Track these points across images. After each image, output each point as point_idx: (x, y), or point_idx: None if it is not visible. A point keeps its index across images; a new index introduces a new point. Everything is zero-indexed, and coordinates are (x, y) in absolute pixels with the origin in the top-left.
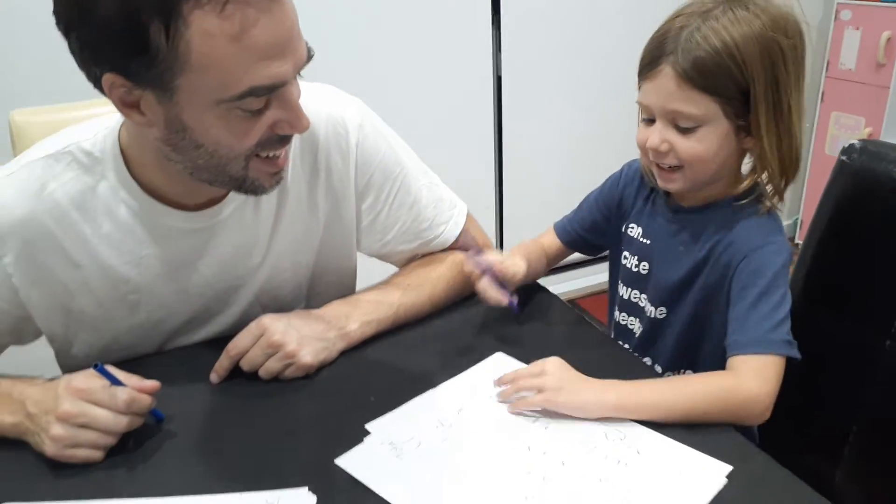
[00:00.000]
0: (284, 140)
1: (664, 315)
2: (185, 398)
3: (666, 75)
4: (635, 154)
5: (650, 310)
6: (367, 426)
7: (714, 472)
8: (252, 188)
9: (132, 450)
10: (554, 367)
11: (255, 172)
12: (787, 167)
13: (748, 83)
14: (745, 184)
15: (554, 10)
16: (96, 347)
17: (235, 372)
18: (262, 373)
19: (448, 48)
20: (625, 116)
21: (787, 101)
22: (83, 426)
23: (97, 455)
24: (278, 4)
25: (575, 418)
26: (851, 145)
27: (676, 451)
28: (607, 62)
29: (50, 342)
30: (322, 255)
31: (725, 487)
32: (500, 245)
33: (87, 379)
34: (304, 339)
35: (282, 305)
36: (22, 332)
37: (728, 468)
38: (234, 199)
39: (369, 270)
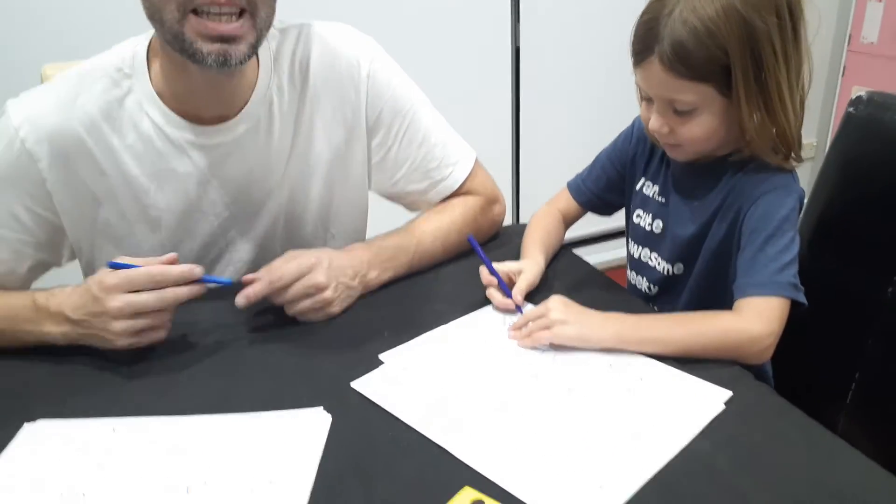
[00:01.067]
0: None
1: (682, 271)
2: (206, 322)
3: (655, 66)
4: None
5: (665, 267)
6: (381, 356)
7: (714, 397)
8: (192, 52)
9: (155, 371)
10: (556, 304)
11: (190, 31)
12: (787, 142)
13: (729, 62)
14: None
15: None
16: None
17: (248, 309)
18: (291, 311)
19: (465, 19)
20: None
21: (775, 78)
22: (137, 314)
23: (160, 335)
24: None
25: (581, 350)
26: (859, 97)
27: (678, 378)
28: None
29: (78, 257)
30: (337, 190)
31: (724, 411)
32: (516, 196)
33: (113, 273)
34: (338, 286)
35: (301, 242)
36: (57, 245)
37: (728, 394)
38: (247, 119)
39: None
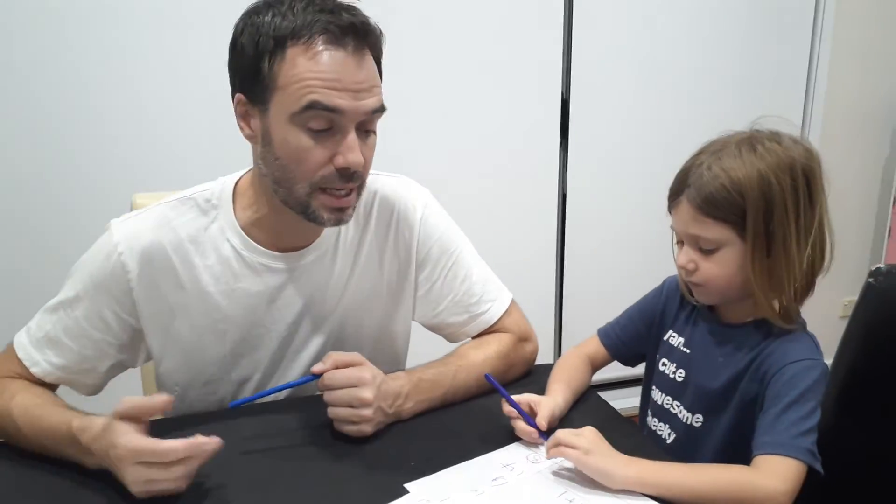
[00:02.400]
0: (343, 177)
1: (700, 423)
2: (235, 440)
3: (684, 206)
4: None
5: (686, 416)
6: (407, 486)
7: None
8: (314, 216)
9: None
10: (589, 433)
11: (317, 202)
12: (792, 290)
13: (746, 206)
14: (776, 304)
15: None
16: (182, 374)
17: (287, 423)
18: (330, 413)
19: (517, 165)
20: None
21: (783, 229)
22: (151, 481)
23: (179, 487)
24: (357, 58)
25: (597, 494)
26: (878, 268)
27: None
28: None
29: (153, 359)
30: (386, 319)
31: None
32: (559, 336)
33: (123, 440)
34: (378, 409)
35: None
36: (136, 348)
37: None
38: (316, 249)
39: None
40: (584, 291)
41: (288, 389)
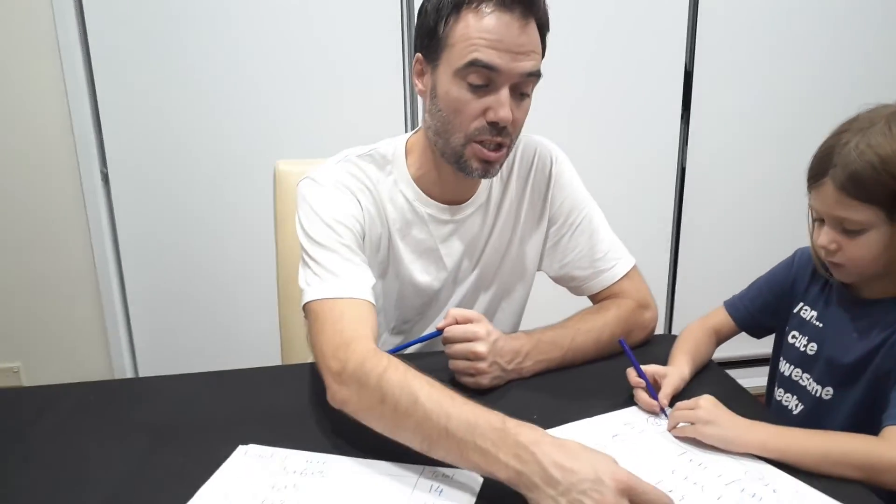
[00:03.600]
0: (494, 130)
1: (830, 396)
2: None
3: (828, 187)
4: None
5: (815, 388)
6: None
7: None
8: (465, 166)
9: (349, 419)
10: (707, 403)
11: (469, 152)
12: None
13: None
14: None
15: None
16: None
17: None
18: (451, 365)
19: (637, 140)
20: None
21: None
22: None
23: None
24: (522, 24)
25: (718, 454)
26: None
27: (812, 496)
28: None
29: None
30: (516, 268)
31: None
32: (671, 306)
33: (633, 478)
34: (494, 364)
35: (478, 310)
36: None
37: None
38: (473, 204)
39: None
40: (699, 268)
41: (421, 343)
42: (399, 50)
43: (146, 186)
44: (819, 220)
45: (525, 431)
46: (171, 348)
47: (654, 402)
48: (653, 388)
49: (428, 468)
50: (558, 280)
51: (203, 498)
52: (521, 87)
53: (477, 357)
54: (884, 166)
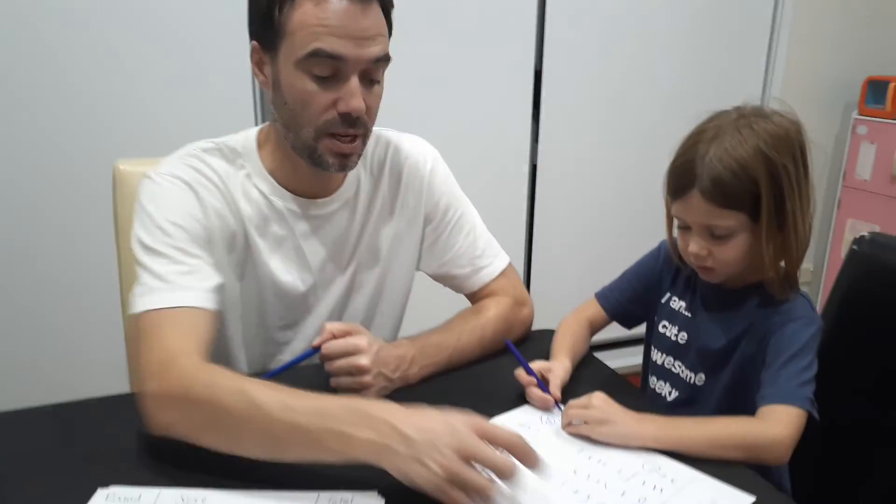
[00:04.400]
0: (346, 122)
1: (703, 382)
2: None
3: (696, 198)
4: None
5: (688, 375)
6: None
7: (740, 500)
8: (319, 161)
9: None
10: (599, 401)
11: (323, 147)
12: (794, 260)
13: (759, 193)
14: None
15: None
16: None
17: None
18: (333, 383)
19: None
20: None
21: (792, 207)
22: (462, 478)
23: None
24: (363, 7)
25: (615, 449)
26: (862, 236)
27: (706, 482)
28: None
29: None
30: (392, 269)
31: None
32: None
33: (485, 422)
34: (378, 375)
35: (354, 316)
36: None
37: (752, 498)
38: (338, 199)
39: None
40: (553, 264)
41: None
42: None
43: None
44: (685, 228)
45: (375, 405)
46: None
47: (548, 397)
48: (543, 385)
49: (324, 494)
50: (439, 279)
51: None
52: (371, 74)
53: (360, 371)
54: (743, 171)
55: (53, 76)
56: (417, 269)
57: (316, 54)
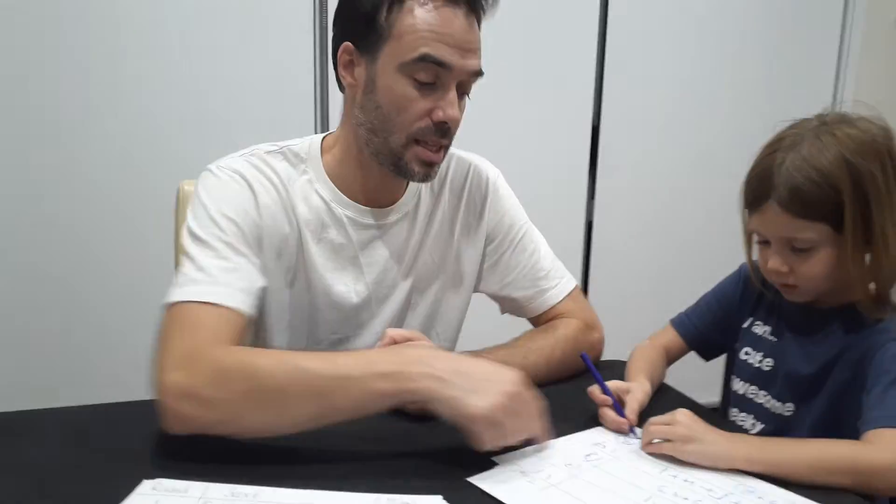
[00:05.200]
0: (439, 131)
1: (791, 412)
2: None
3: (773, 208)
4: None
5: (775, 405)
6: (495, 458)
7: None
8: (405, 169)
9: (280, 444)
10: (684, 418)
11: (411, 154)
12: (885, 277)
13: (842, 202)
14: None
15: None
16: (271, 320)
17: None
18: None
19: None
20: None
21: (881, 218)
22: (515, 413)
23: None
24: (468, 19)
25: (701, 470)
26: None
27: None
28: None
29: None
30: (449, 287)
31: None
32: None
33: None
34: None
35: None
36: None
37: None
38: (399, 210)
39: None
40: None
41: None
42: (311, 50)
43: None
44: (764, 243)
45: (413, 348)
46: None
47: (623, 420)
48: (619, 406)
49: (383, 496)
50: (500, 300)
51: None
52: (464, 87)
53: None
54: (823, 178)
55: (129, 100)
56: (477, 290)
57: (423, 59)
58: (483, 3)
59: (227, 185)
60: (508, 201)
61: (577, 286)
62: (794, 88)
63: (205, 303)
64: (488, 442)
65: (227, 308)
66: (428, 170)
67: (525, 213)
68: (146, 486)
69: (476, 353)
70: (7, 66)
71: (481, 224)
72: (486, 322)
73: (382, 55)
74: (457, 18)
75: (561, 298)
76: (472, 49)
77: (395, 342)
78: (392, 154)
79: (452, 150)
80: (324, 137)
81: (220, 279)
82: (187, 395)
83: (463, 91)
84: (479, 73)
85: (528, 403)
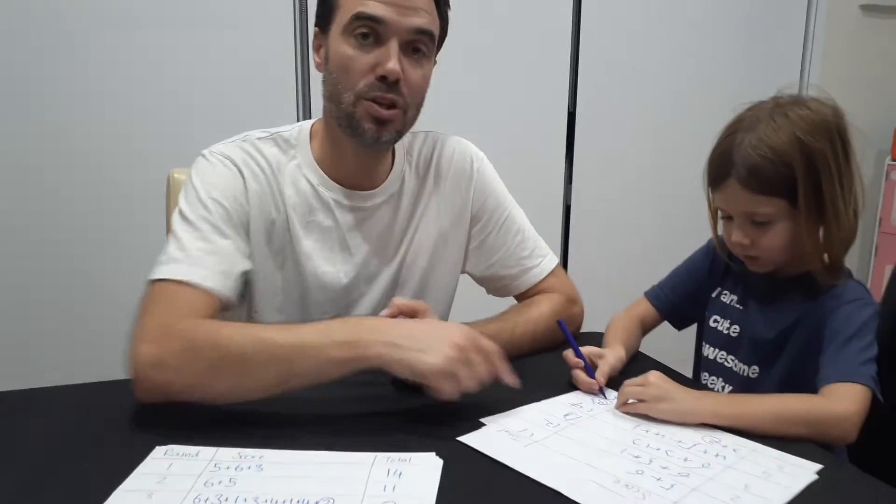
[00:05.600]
0: (384, 85)
1: (756, 374)
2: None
3: (733, 186)
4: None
5: (742, 368)
6: (482, 419)
7: (805, 469)
8: (357, 127)
9: (277, 407)
10: (656, 378)
11: (361, 111)
12: (837, 249)
13: (796, 178)
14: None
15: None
16: (261, 302)
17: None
18: None
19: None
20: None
21: (831, 192)
22: (467, 363)
23: (470, 385)
24: None
25: (671, 425)
26: None
27: (770, 452)
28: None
29: None
30: (437, 267)
31: (815, 482)
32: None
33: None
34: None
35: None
36: (248, 259)
37: (818, 466)
38: (383, 193)
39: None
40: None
41: None
42: (292, 40)
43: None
44: (727, 218)
45: (366, 318)
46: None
47: (592, 381)
48: (591, 369)
49: (381, 455)
50: (484, 281)
51: (121, 499)
52: (415, 44)
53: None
54: (778, 157)
55: (118, 91)
56: (464, 270)
57: (358, 17)
58: None
59: (218, 170)
60: (493, 183)
61: (558, 263)
62: (762, 73)
63: (182, 282)
64: (447, 392)
65: (203, 289)
66: (380, 128)
67: (509, 194)
68: (159, 451)
69: (470, 324)
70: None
71: (466, 207)
72: (475, 296)
73: (332, 27)
74: None
75: (545, 275)
76: (411, 7)
77: (401, 312)
78: (346, 115)
79: (437, 133)
80: (313, 124)
81: (201, 261)
82: (158, 364)
83: (416, 50)
84: (425, 32)
85: (478, 352)
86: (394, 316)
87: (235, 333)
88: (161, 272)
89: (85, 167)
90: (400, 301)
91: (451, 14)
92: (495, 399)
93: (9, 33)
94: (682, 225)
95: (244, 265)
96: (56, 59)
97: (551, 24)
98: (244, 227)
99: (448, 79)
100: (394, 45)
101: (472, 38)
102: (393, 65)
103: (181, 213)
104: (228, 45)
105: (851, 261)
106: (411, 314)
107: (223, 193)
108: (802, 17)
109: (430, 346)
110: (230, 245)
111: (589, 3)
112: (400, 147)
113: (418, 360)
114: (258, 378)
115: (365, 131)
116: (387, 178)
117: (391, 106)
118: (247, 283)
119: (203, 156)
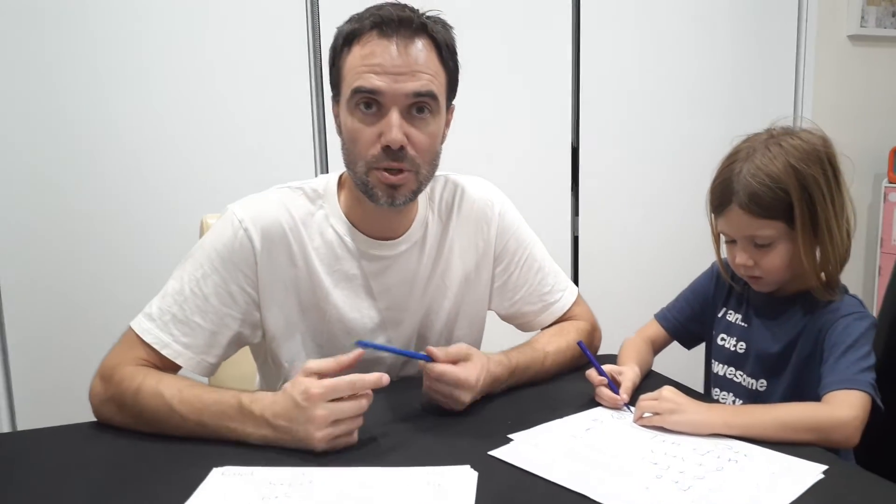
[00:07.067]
0: (389, 155)
1: (764, 387)
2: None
3: (736, 212)
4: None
5: (750, 382)
6: (510, 436)
7: (812, 469)
8: (371, 194)
9: None
10: (669, 393)
11: (373, 180)
12: (832, 265)
13: (792, 202)
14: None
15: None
16: (288, 351)
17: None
18: (426, 392)
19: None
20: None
21: (825, 214)
22: (336, 422)
23: (353, 439)
24: (403, 46)
25: (686, 436)
26: None
27: (778, 455)
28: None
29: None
30: (463, 308)
31: (822, 480)
32: None
33: (316, 382)
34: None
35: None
36: (256, 323)
37: (824, 466)
38: (407, 241)
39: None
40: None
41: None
42: (308, 93)
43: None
44: (731, 242)
45: (257, 402)
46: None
47: (617, 397)
48: (614, 385)
49: (419, 469)
50: (508, 318)
51: None
52: (419, 107)
53: (458, 402)
54: (775, 183)
55: (159, 137)
56: (489, 308)
57: (358, 91)
58: (430, 28)
59: (226, 235)
60: (514, 224)
61: (578, 294)
62: (756, 106)
63: (144, 341)
64: (334, 446)
65: (161, 355)
66: (392, 192)
67: (530, 230)
68: (216, 473)
69: (507, 356)
70: (39, 101)
71: (490, 247)
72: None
73: (341, 98)
74: (389, 48)
75: (566, 309)
76: (405, 72)
77: (450, 359)
78: (361, 183)
79: (457, 177)
80: (341, 175)
81: (173, 332)
82: (102, 401)
83: (420, 112)
84: (424, 94)
85: (333, 386)
86: (441, 360)
87: (152, 399)
88: (136, 322)
89: (126, 211)
90: (454, 350)
91: (462, 59)
92: (521, 418)
93: (54, 76)
94: (686, 249)
95: (226, 333)
96: (102, 117)
97: (553, 65)
98: (243, 293)
99: (460, 122)
100: (394, 114)
101: (481, 84)
102: (394, 135)
103: (182, 268)
104: (255, 107)
105: (857, 281)
106: (459, 362)
107: (224, 264)
108: (792, 51)
109: (299, 429)
110: (211, 317)
111: (587, 47)
112: (423, 194)
113: (305, 445)
114: (174, 433)
115: (379, 198)
116: (411, 226)
117: (401, 171)
118: (264, 332)
119: (229, 210)
